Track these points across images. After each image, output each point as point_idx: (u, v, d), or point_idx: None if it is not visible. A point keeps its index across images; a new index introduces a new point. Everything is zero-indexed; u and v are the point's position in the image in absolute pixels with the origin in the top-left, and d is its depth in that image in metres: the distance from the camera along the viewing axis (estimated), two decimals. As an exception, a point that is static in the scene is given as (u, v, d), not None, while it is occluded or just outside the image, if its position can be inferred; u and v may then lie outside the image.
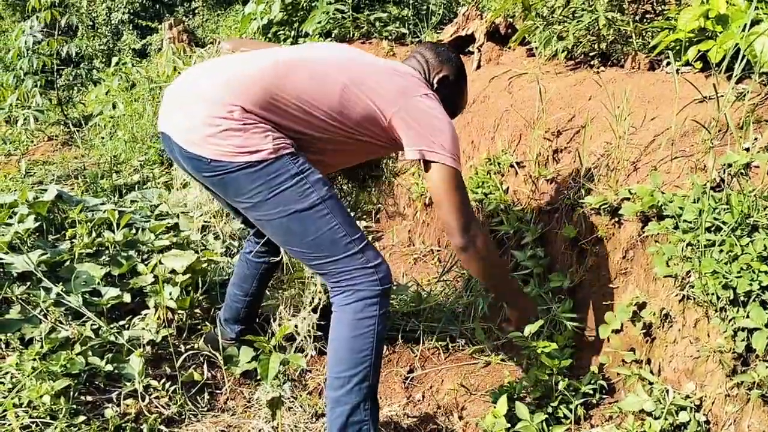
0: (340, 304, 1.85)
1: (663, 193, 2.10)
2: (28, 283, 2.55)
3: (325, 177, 1.88)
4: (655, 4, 3.50)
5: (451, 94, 2.19)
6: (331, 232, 1.81)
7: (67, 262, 2.68)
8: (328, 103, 1.86)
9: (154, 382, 2.20)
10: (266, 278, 2.47)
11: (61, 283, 2.52)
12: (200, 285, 2.71)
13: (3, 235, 2.80)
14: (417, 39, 5.61)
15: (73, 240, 2.97)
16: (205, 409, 2.21)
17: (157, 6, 13.86)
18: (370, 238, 3.88)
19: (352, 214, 2.50)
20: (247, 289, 2.44)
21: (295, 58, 1.93)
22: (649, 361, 2.06)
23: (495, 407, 2.02)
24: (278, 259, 2.40)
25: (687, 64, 2.75)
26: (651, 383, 1.93)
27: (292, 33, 6.19)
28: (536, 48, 3.80)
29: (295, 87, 1.84)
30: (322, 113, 1.86)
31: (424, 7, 6.13)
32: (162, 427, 2.06)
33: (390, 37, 5.83)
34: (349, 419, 1.80)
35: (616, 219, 2.31)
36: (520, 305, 2.15)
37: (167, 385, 2.19)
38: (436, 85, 2.15)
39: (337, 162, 2.15)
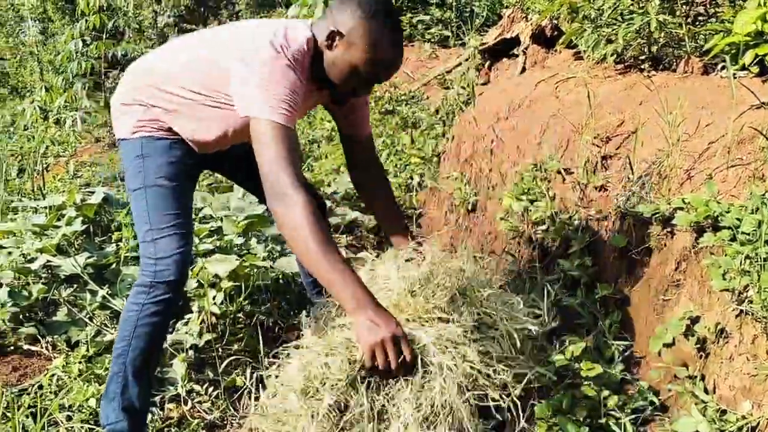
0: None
1: (719, 202, 2.02)
2: (75, 286, 2.60)
3: (177, 165, 1.96)
4: (707, 5, 3.40)
5: (346, 55, 1.80)
6: (139, 217, 1.95)
7: (113, 265, 2.72)
8: (177, 77, 1.94)
9: (196, 387, 2.21)
10: None
11: (106, 286, 2.55)
12: (243, 290, 2.71)
13: (51, 237, 2.85)
14: (460, 42, 5.56)
15: (119, 243, 3.01)
16: (248, 414, 2.20)
17: (202, 9, 14.08)
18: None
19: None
20: None
21: (178, 41, 2.10)
22: (703, 378, 1.98)
23: (539, 422, 1.97)
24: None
25: (743, 68, 2.65)
26: (705, 402, 1.86)
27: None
28: (584, 51, 3.72)
29: (155, 69, 1.99)
30: (173, 89, 1.93)
31: (468, 10, 6.07)
32: (204, 432, 2.06)
33: (432, 40, 5.80)
34: (109, 386, 1.93)
35: (669, 229, 2.23)
36: (350, 304, 1.57)
37: (210, 390, 2.20)
38: (327, 45, 1.83)
39: (228, 135, 2.00)
